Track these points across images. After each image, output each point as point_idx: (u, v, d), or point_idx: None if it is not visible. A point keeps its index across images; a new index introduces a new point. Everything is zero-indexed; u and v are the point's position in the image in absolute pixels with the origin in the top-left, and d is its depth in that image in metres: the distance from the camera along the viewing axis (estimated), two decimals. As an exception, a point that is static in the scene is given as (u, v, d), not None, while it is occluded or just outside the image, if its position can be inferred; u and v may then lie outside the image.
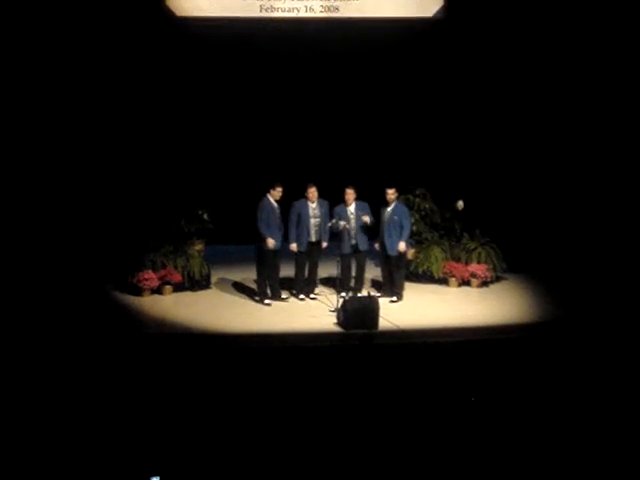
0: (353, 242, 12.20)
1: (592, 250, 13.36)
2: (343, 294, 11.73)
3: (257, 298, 12.41)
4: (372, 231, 12.36)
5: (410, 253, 12.67)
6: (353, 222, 12.17)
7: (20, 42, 13.13)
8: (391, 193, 12.25)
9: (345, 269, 12.20)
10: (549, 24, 14.02)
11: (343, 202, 12.23)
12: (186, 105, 14.78)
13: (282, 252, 12.33)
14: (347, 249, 12.18)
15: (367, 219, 12.08)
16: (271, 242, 11.93)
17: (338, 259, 12.05)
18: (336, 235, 12.24)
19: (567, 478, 6.90)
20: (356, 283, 12.44)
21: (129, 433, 7.50)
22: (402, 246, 12.25)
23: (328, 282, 13.12)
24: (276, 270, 12.32)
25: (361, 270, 12.48)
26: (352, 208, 12.20)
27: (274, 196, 12.08)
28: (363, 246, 12.29)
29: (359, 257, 12.37)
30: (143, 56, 14.10)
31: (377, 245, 12.35)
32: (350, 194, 12.18)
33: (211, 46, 14.41)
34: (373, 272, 13.49)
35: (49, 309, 11.45)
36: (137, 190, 13.65)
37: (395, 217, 12.20)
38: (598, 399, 8.33)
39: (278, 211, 12.11)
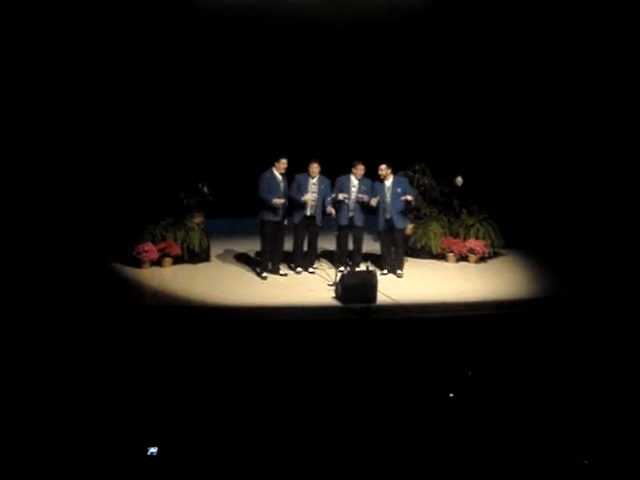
0: (350, 215, 12.23)
1: (590, 226, 13.41)
2: (342, 268, 11.79)
3: (257, 269, 12.46)
4: (369, 209, 12.35)
5: (409, 228, 12.68)
6: (353, 195, 12.19)
7: (21, 25, 13.10)
8: (384, 169, 12.22)
9: (342, 241, 12.25)
10: (544, 6, 13.97)
11: (350, 173, 12.23)
12: (186, 78, 14.75)
13: (285, 227, 12.35)
14: (344, 220, 12.22)
15: (373, 202, 12.12)
16: (278, 201, 11.88)
17: (335, 233, 12.11)
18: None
19: (563, 455, 6.96)
20: (353, 258, 12.48)
21: (128, 405, 7.56)
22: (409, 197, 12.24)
23: (327, 256, 13.17)
24: (278, 244, 12.33)
25: (358, 245, 12.51)
26: (356, 182, 12.22)
27: (279, 169, 12.05)
28: (359, 221, 12.32)
29: (355, 232, 12.40)
30: (144, 31, 14.03)
31: (374, 200, 12.22)
32: (360, 169, 12.17)
33: (211, 21, 14.37)
34: (371, 247, 13.52)
35: (49, 281, 11.50)
36: (137, 163, 13.64)
37: (398, 189, 12.21)
38: (596, 375, 8.40)
39: (282, 184, 12.07)
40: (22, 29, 13.06)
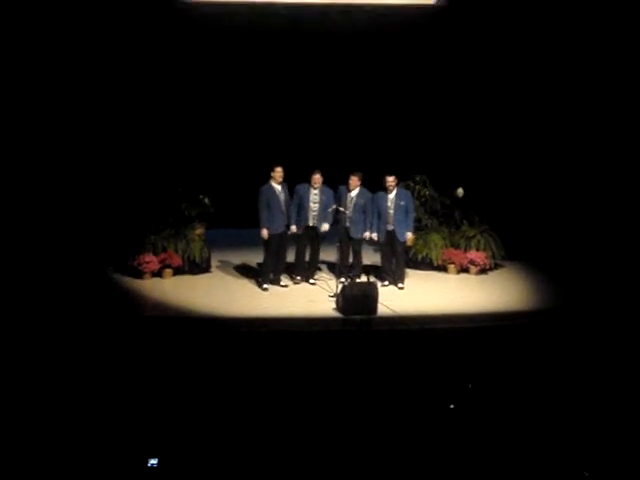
0: (347, 225, 12.20)
1: (590, 237, 13.40)
2: (342, 279, 11.80)
3: (259, 279, 12.45)
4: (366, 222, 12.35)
5: (410, 239, 12.69)
6: (350, 207, 12.19)
7: (22, 24, 13.13)
8: (391, 181, 12.24)
9: (342, 252, 12.24)
10: (552, 11, 13.99)
11: (346, 185, 12.27)
12: (188, 89, 14.81)
13: (288, 238, 12.33)
14: (342, 232, 12.20)
15: (375, 237, 12.30)
16: (264, 233, 11.95)
17: (337, 244, 12.11)
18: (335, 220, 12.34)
19: (564, 467, 6.95)
20: (353, 269, 12.46)
21: (128, 416, 7.56)
22: (410, 236, 12.37)
23: (327, 267, 13.17)
24: (280, 255, 12.30)
25: (358, 256, 12.50)
26: (353, 194, 12.22)
27: (275, 179, 12.03)
28: (357, 233, 12.27)
29: (354, 243, 12.39)
30: (145, 39, 14.08)
31: (375, 235, 12.35)
32: (354, 180, 12.18)
33: (212, 29, 14.41)
34: (372, 259, 13.54)
35: (50, 292, 11.51)
36: (139, 174, 13.67)
37: (402, 203, 12.23)
38: (596, 387, 8.39)
39: (282, 195, 12.07)
40: (25, 43, 13.12)
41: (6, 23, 12.94)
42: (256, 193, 12.06)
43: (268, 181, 12.06)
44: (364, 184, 12.31)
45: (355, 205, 12.18)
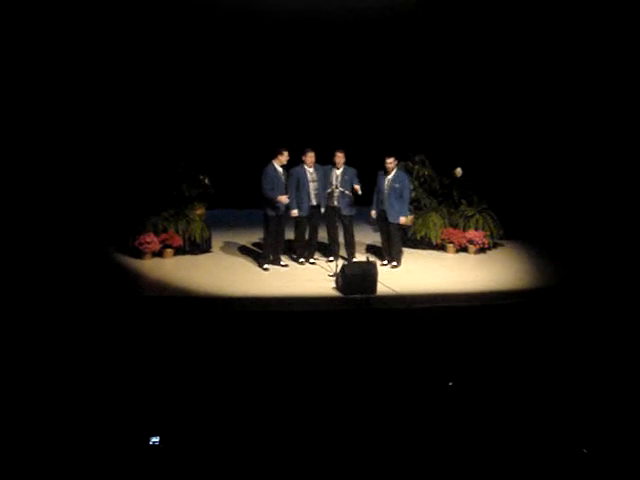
0: (335, 204, 12.22)
1: (588, 217, 13.45)
2: (331, 258, 11.89)
3: (259, 259, 12.49)
4: (356, 197, 12.32)
5: (409, 219, 12.72)
6: (338, 184, 12.20)
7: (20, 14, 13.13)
8: (390, 162, 12.21)
9: (333, 232, 12.38)
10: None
11: (332, 164, 12.26)
12: (188, 69, 14.79)
13: (287, 218, 12.33)
14: (332, 211, 12.28)
15: (357, 187, 12.10)
16: (283, 198, 11.89)
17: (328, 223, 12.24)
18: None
19: (563, 444, 7.01)
20: (347, 248, 12.50)
21: (129, 395, 7.62)
22: (403, 220, 12.36)
23: (327, 247, 13.21)
24: (279, 236, 12.33)
25: (349, 235, 12.48)
26: (339, 171, 12.23)
27: (280, 161, 11.99)
28: (345, 210, 12.29)
29: (344, 222, 12.39)
30: (144, 22, 14.05)
31: (374, 213, 12.40)
32: (340, 157, 12.18)
33: (213, 10, 14.38)
34: (371, 238, 13.58)
35: (51, 272, 11.56)
36: (139, 154, 13.67)
37: (396, 185, 12.19)
38: (594, 364, 8.45)
39: (283, 177, 12.04)
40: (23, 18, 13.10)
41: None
42: (256, 174, 12.03)
43: (270, 162, 12.03)
44: (365, 164, 12.32)
45: (341, 182, 12.17)
